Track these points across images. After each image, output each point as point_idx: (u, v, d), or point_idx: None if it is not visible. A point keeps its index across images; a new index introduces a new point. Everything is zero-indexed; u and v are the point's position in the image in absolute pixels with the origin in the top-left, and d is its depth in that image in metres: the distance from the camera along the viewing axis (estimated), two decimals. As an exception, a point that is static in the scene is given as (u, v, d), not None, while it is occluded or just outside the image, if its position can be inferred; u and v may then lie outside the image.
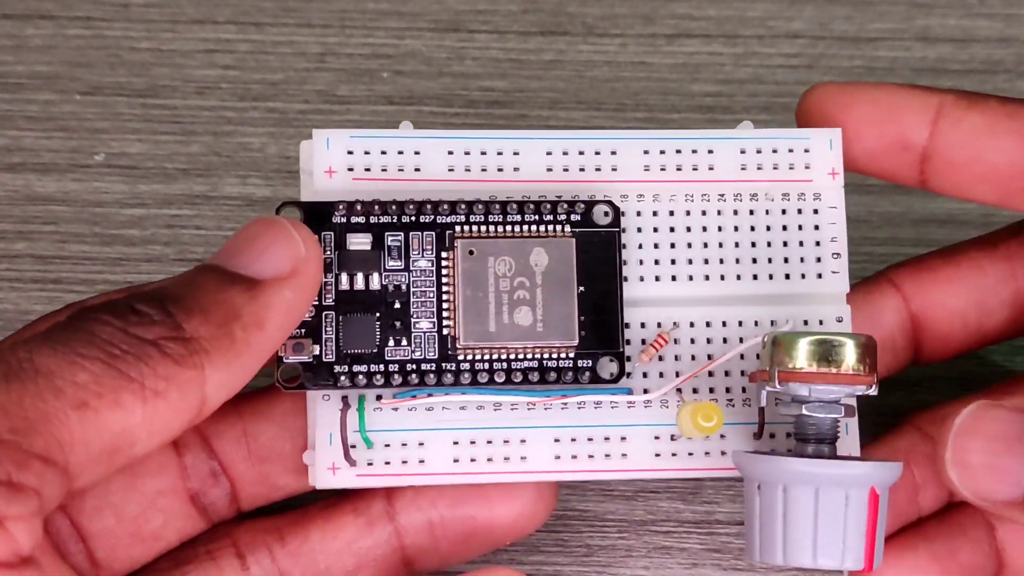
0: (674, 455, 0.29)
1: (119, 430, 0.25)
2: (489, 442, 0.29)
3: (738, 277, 0.30)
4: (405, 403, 0.29)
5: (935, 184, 0.32)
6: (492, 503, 0.30)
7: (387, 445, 0.29)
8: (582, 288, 0.29)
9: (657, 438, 0.29)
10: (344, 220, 0.29)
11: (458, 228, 0.29)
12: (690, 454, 0.29)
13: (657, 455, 0.29)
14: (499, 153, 0.30)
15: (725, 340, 0.30)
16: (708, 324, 0.30)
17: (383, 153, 0.30)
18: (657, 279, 0.30)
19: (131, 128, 0.41)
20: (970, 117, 0.31)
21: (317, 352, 0.28)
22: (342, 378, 0.28)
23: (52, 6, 0.44)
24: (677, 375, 0.30)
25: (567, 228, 0.29)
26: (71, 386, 0.24)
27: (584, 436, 0.29)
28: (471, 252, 0.29)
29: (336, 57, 0.43)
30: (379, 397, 0.29)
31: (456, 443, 0.29)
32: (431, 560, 0.31)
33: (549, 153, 0.30)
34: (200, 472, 0.31)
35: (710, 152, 0.30)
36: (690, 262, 0.30)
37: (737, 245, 0.30)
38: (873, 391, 0.28)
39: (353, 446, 0.29)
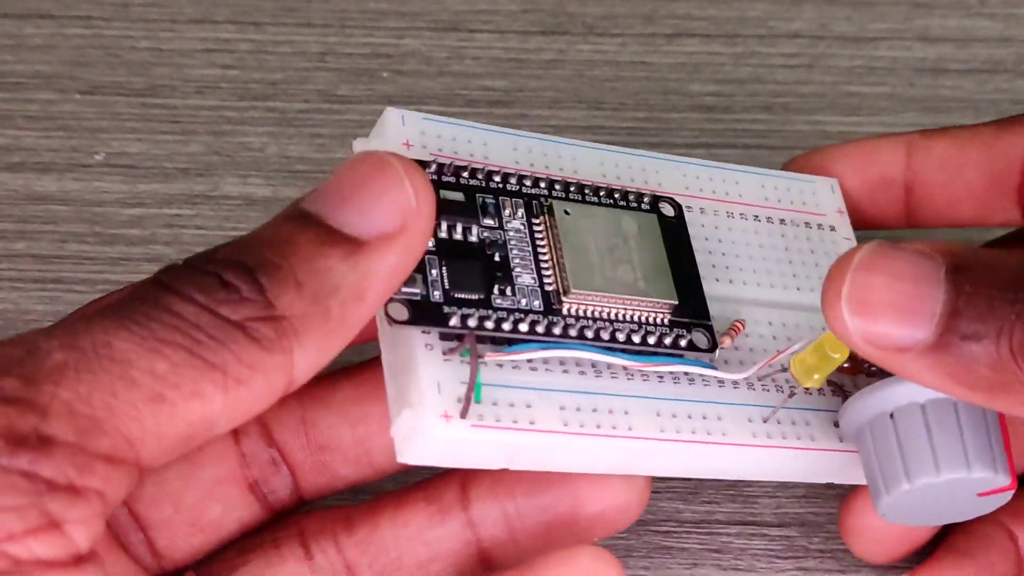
0: (768, 436, 0.29)
1: (196, 420, 0.23)
2: (594, 410, 0.27)
3: (785, 285, 0.31)
4: (511, 357, 0.27)
5: (920, 215, 0.33)
6: (577, 493, 0.28)
7: (494, 403, 0.27)
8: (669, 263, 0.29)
9: (750, 420, 0.29)
10: (436, 178, 0.28)
11: (543, 200, 0.29)
12: (783, 436, 0.29)
13: (754, 435, 0.29)
14: (559, 156, 0.31)
15: (775, 338, 0.30)
16: (770, 323, 0.31)
17: (453, 139, 0.30)
18: (717, 281, 0.31)
19: (131, 127, 0.41)
20: (939, 143, 0.32)
21: (425, 292, 0.26)
22: (453, 319, 0.26)
23: (52, 5, 0.44)
24: (754, 364, 0.29)
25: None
26: (147, 377, 0.22)
27: (684, 411, 0.28)
28: (567, 212, 0.28)
29: (336, 57, 0.43)
30: (480, 356, 0.27)
31: (563, 408, 0.27)
32: (510, 556, 0.29)
33: (602, 163, 0.31)
34: (259, 460, 0.29)
35: (736, 183, 0.32)
36: (740, 269, 0.31)
37: (777, 260, 0.32)
38: None
39: (459, 400, 0.26)
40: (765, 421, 0.29)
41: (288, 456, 0.30)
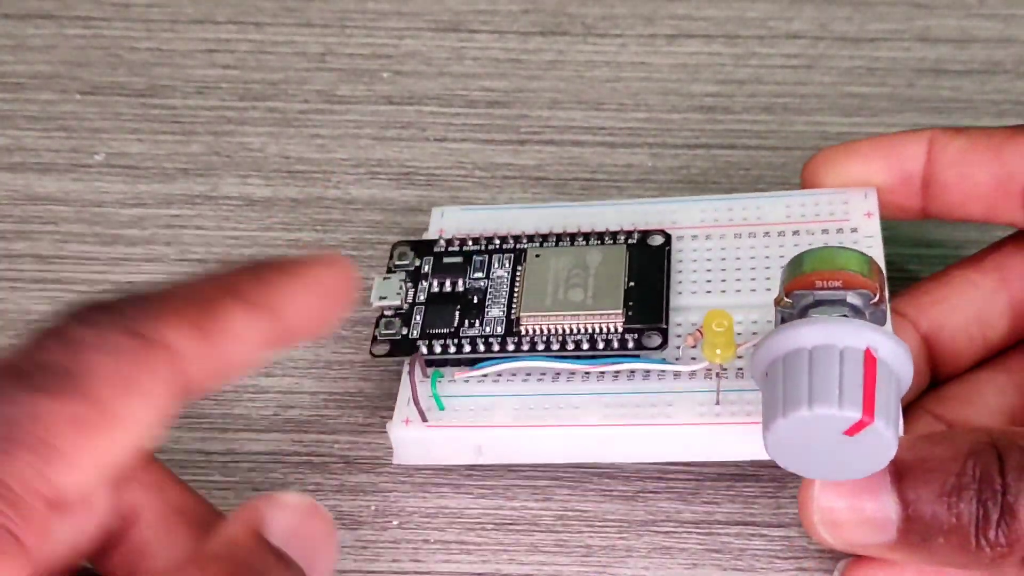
0: (717, 416, 0.32)
1: None
2: (546, 407, 0.33)
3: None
4: (475, 374, 0.33)
5: (934, 209, 0.35)
6: None
7: (456, 409, 0.33)
8: (632, 283, 0.34)
9: (701, 404, 0.32)
10: (443, 249, 0.36)
11: (532, 251, 0.36)
12: (732, 415, 0.32)
13: (701, 415, 0.32)
14: (577, 216, 0.37)
15: (754, 334, 0.33)
16: (755, 322, 0.34)
17: (486, 220, 0.37)
18: (708, 292, 0.35)
19: (131, 128, 0.41)
20: (956, 141, 0.35)
21: (405, 332, 0.34)
22: (422, 347, 0.34)
23: (52, 6, 0.44)
24: None
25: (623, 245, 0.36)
26: None
27: (633, 402, 0.32)
28: (537, 256, 0.35)
29: (336, 57, 0.43)
30: (452, 380, 0.34)
31: (516, 408, 0.33)
32: None
33: (619, 214, 0.37)
34: None
35: (758, 208, 0.36)
36: (738, 280, 0.35)
37: (781, 267, 0.32)
38: (880, 303, 0.30)
39: (428, 409, 0.33)
40: (717, 404, 0.32)
41: None
